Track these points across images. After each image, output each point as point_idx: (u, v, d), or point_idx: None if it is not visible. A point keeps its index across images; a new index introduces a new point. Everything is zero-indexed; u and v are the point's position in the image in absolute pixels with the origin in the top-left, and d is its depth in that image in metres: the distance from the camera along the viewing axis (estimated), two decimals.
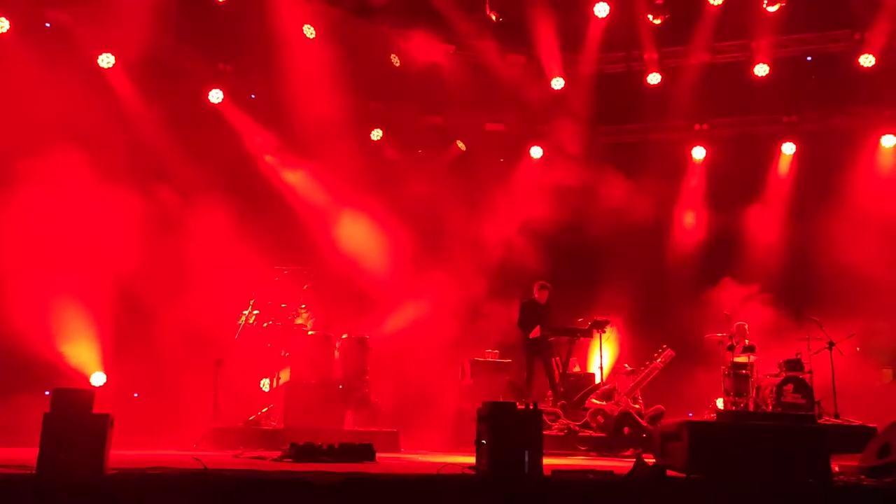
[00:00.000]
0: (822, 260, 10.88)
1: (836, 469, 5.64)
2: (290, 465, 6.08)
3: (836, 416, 9.54)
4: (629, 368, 9.64)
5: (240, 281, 10.27)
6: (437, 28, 12.20)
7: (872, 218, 11.16)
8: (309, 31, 11.64)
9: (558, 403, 10.18)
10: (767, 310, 11.34)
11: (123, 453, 5.85)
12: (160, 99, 10.80)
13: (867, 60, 11.67)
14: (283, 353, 9.83)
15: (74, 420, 4.49)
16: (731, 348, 10.26)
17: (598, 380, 10.43)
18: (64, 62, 9.65)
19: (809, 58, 12.29)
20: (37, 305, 9.09)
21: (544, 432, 5.70)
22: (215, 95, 11.56)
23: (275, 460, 6.50)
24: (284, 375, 9.73)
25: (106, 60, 10.49)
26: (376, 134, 12.85)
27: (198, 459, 5.28)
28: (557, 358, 10.69)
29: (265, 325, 9.81)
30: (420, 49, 12.18)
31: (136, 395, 10.06)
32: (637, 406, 9.28)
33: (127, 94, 10.62)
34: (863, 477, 5.48)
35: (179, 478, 4.49)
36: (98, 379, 9.61)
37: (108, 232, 9.61)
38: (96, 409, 4.65)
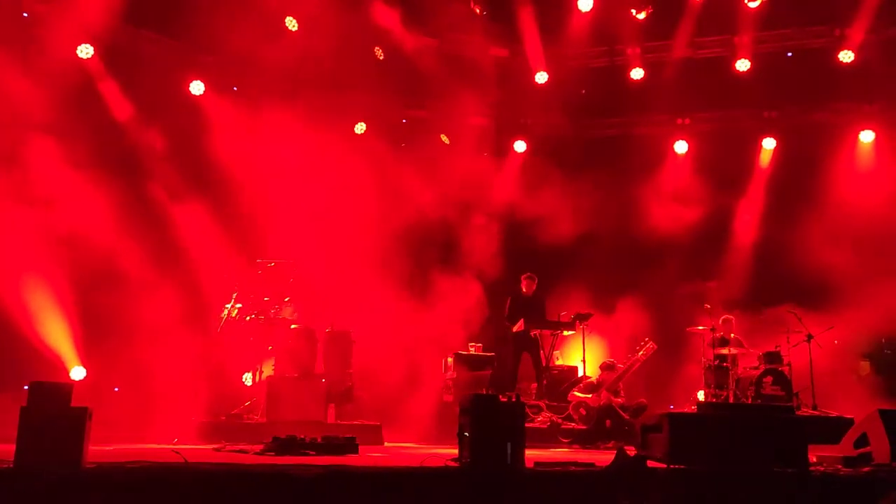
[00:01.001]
0: (802, 253, 10.97)
1: (814, 459, 5.73)
2: (272, 459, 6.06)
3: (815, 408, 9.67)
4: (617, 364, 9.67)
5: (223, 274, 10.20)
6: (420, 21, 12.15)
7: (852, 212, 11.27)
8: (291, 24, 11.56)
9: (542, 398, 10.21)
10: (748, 303, 11.45)
11: (103, 447, 5.81)
12: (141, 89, 10.68)
13: (847, 56, 11.78)
14: (266, 347, 9.80)
15: (52, 413, 4.46)
16: (721, 342, 10.34)
17: (580, 373, 10.48)
18: (41, 51, 9.51)
19: (790, 53, 12.38)
20: (19, 299, 8.98)
21: (527, 425, 5.72)
22: (196, 87, 11.46)
23: (257, 454, 6.49)
24: (267, 369, 9.70)
25: (85, 51, 10.36)
26: (360, 127, 12.79)
27: (178, 453, 5.25)
28: (543, 351, 10.72)
29: (248, 318, 9.76)
30: (404, 42, 12.14)
31: (116, 389, 9.97)
32: (619, 399, 9.33)
33: (104, 84, 10.49)
34: (840, 467, 5.56)
35: (159, 472, 4.46)
36: (78, 373, 9.52)
37: (88, 224, 9.49)
38: (75, 403, 4.61)
